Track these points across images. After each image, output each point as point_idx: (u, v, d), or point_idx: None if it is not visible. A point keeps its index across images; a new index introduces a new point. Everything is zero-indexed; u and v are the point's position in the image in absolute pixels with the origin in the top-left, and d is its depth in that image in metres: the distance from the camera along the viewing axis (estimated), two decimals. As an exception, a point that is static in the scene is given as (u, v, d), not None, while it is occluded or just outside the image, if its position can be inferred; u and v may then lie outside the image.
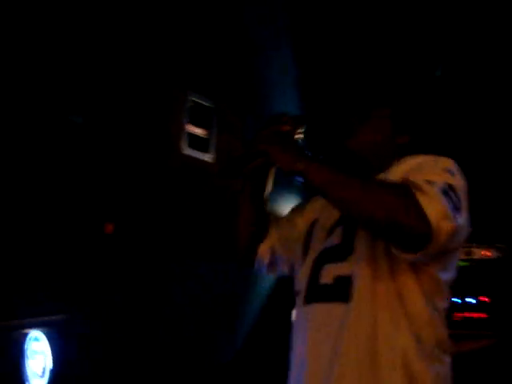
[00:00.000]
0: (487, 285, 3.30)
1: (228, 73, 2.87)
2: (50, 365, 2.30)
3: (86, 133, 2.49)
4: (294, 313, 1.64)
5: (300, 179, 1.34)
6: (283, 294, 3.49)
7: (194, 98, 2.64)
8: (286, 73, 3.58)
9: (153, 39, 2.52)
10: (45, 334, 2.28)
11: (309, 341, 1.53)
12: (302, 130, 1.60)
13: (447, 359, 1.49)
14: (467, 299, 3.34)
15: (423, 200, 1.30)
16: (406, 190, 1.33)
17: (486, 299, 3.30)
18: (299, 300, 1.59)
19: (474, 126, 3.66)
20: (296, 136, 1.57)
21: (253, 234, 1.77)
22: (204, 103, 2.68)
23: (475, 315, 3.33)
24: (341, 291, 1.44)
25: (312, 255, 1.57)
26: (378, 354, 1.43)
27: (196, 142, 2.64)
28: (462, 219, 1.37)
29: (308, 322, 1.55)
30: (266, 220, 1.74)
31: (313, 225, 1.63)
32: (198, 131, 2.63)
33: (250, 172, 1.55)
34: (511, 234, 3.36)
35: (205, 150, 2.66)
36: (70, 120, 2.30)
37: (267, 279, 3.49)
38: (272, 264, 1.77)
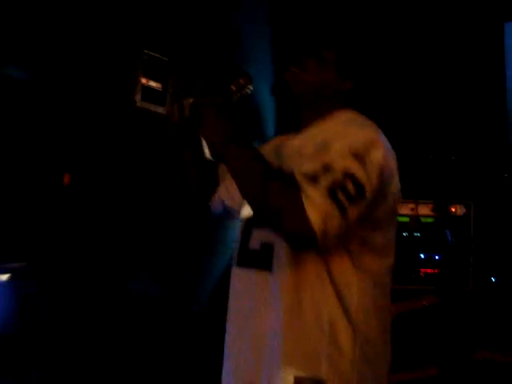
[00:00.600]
0: (453, 241, 3.35)
1: (184, 27, 2.91)
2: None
3: (39, 87, 2.56)
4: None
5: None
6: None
7: (149, 52, 2.67)
8: (248, 25, 3.63)
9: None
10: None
11: (233, 304, 1.64)
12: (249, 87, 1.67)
13: (375, 322, 1.55)
14: (433, 255, 3.40)
15: (307, 204, 1.34)
16: (294, 194, 1.36)
17: (450, 256, 3.37)
18: (234, 260, 1.68)
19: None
20: (242, 91, 1.64)
21: (201, 184, 1.84)
22: (159, 57, 2.71)
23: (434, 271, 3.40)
24: (265, 259, 1.51)
25: (245, 215, 1.65)
26: (304, 326, 1.50)
27: (151, 95, 2.68)
28: (356, 211, 1.41)
29: (237, 285, 1.65)
30: (214, 170, 1.80)
31: None
32: (153, 84, 2.67)
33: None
34: (479, 190, 3.42)
35: (160, 103, 2.71)
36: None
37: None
38: (229, 214, 1.84)
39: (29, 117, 2.46)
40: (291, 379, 1.46)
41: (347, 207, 1.37)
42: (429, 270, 3.34)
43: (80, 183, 2.71)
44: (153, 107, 2.69)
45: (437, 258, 3.35)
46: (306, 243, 1.42)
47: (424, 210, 3.38)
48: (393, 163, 1.54)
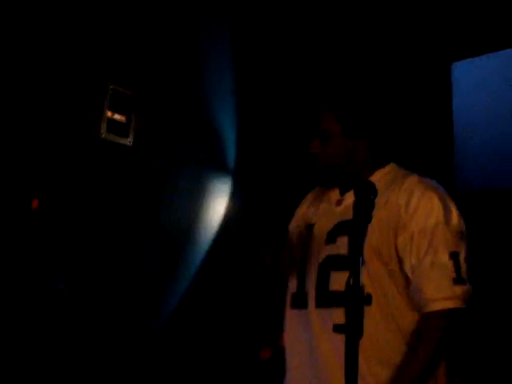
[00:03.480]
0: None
1: (149, 62, 3.19)
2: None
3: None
4: (290, 312, 2.02)
5: None
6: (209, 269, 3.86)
7: (113, 87, 2.94)
8: (213, 60, 3.92)
9: (76, 31, 2.83)
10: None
11: (323, 342, 1.85)
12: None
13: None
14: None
15: (461, 302, 1.73)
16: (439, 322, 1.74)
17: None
18: (307, 302, 1.92)
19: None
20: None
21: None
22: (124, 91, 2.98)
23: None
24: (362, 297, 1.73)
25: (315, 260, 1.94)
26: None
27: (115, 127, 2.95)
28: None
29: (317, 325, 1.88)
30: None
31: (310, 228, 2.00)
32: (117, 117, 2.93)
33: None
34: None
35: (124, 135, 2.97)
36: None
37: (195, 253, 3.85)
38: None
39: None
40: None
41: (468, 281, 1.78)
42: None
43: (47, 208, 2.97)
44: (117, 139, 2.95)
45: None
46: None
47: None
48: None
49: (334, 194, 2.02)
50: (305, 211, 2.14)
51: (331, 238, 1.89)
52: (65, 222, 2.93)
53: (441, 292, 1.73)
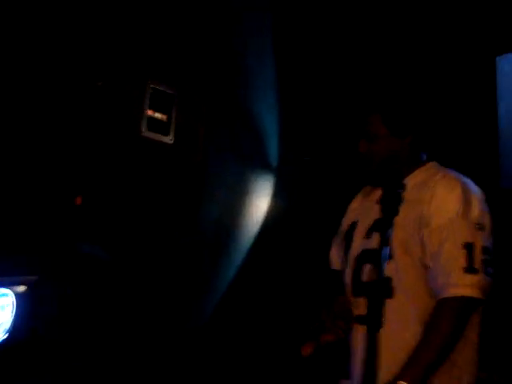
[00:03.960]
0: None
1: (189, 59, 3.26)
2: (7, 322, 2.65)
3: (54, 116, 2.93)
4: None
5: None
6: (252, 267, 3.91)
7: (154, 86, 3.02)
8: (256, 56, 3.97)
9: (115, 28, 2.92)
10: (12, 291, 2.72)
11: (352, 331, 1.95)
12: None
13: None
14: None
15: (473, 292, 1.81)
16: (454, 310, 1.80)
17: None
18: (347, 292, 2.08)
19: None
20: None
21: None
22: (164, 90, 3.06)
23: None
24: (385, 289, 1.85)
25: (353, 253, 2.08)
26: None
27: (156, 126, 3.03)
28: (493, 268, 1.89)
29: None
30: None
31: (353, 225, 2.16)
32: (158, 116, 3.02)
33: None
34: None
35: (165, 133, 3.05)
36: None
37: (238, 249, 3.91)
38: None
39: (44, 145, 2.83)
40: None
41: (492, 271, 1.89)
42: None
43: (91, 204, 3.08)
44: (158, 137, 3.04)
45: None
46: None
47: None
48: (487, 209, 2.02)
49: (378, 193, 2.13)
50: (353, 208, 2.29)
51: (368, 233, 2.01)
52: (108, 219, 3.02)
53: (451, 280, 1.81)
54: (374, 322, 1.40)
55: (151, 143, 3.05)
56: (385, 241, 1.66)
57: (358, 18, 4.16)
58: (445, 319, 1.80)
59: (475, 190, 1.98)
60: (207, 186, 3.41)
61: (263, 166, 4.06)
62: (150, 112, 3.00)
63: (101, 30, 2.88)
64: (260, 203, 3.99)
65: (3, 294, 2.69)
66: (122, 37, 2.93)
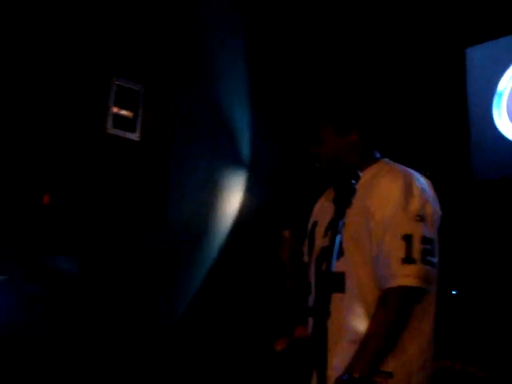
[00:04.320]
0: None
1: (155, 55, 3.27)
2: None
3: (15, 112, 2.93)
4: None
5: None
6: (225, 262, 3.93)
7: (119, 83, 3.02)
8: (225, 52, 3.98)
9: (80, 26, 2.92)
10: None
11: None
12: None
13: (431, 319, 2.02)
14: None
15: (412, 281, 1.82)
16: (397, 300, 1.84)
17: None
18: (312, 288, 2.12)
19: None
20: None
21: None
22: (130, 87, 3.06)
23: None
24: (338, 284, 1.94)
25: (315, 252, 2.16)
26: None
27: (122, 123, 3.03)
28: (437, 256, 1.90)
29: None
30: None
31: (314, 225, 2.22)
32: (124, 113, 3.01)
33: None
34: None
35: (131, 130, 3.05)
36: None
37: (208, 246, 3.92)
38: None
39: (10, 144, 2.83)
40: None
41: (433, 260, 1.90)
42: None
43: (58, 202, 3.08)
44: (124, 134, 3.03)
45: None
46: (420, 300, 1.92)
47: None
48: (431, 200, 2.02)
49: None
50: (316, 209, 2.32)
51: (326, 232, 2.06)
52: (74, 216, 3.02)
53: (390, 271, 1.84)
54: (320, 313, 1.42)
55: (117, 140, 3.04)
56: (335, 237, 1.69)
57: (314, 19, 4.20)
58: (387, 309, 1.84)
59: (419, 182, 2.00)
60: (175, 182, 3.42)
61: (235, 161, 4.07)
62: (115, 109, 2.99)
63: (65, 27, 2.88)
64: (232, 199, 4.01)
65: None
66: (85, 34, 2.93)
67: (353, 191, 1.61)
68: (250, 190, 4.07)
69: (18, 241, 3.02)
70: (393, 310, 1.84)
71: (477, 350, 3.37)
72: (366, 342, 1.83)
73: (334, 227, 1.56)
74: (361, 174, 1.88)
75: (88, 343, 3.21)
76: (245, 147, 4.12)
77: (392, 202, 1.91)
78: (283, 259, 2.36)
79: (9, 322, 2.90)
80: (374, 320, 1.85)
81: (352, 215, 1.78)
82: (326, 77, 3.94)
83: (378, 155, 2.18)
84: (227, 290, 3.82)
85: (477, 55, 3.92)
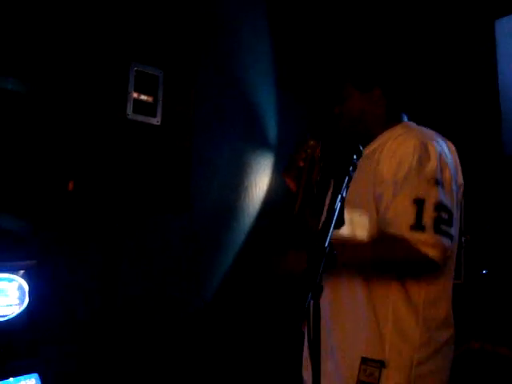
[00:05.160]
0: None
1: (175, 42, 3.28)
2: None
3: (38, 102, 2.99)
4: None
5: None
6: (254, 247, 3.94)
7: (138, 68, 3.05)
8: (249, 33, 3.96)
9: (97, 11, 2.95)
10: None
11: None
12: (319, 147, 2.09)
13: (439, 311, 1.91)
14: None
15: (426, 249, 1.70)
16: (408, 247, 1.71)
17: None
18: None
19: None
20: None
21: None
22: (149, 72, 3.09)
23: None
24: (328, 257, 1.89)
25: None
26: (371, 315, 1.84)
27: (142, 108, 3.06)
28: (454, 228, 1.80)
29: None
30: None
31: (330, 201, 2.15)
32: (144, 98, 3.05)
33: None
34: (467, 184, 3.66)
35: (151, 115, 3.09)
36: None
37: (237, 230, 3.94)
38: None
39: (31, 130, 2.89)
40: (358, 357, 1.81)
41: (449, 231, 1.78)
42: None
43: (83, 189, 3.13)
44: (144, 119, 3.07)
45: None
46: (431, 273, 1.84)
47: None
48: (452, 166, 1.90)
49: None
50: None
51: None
52: (99, 203, 3.07)
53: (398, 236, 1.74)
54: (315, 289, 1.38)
55: (138, 125, 3.08)
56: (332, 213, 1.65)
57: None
58: (393, 251, 1.74)
59: (438, 145, 1.88)
60: (199, 167, 3.45)
61: (262, 143, 4.08)
62: (135, 94, 3.02)
63: (83, 14, 2.92)
64: (259, 182, 4.02)
65: (6, 279, 2.78)
66: (103, 19, 2.96)
67: (354, 167, 1.56)
68: (277, 172, 4.07)
69: (45, 228, 3.10)
70: (394, 257, 1.74)
71: (508, 330, 3.33)
72: (361, 249, 1.78)
73: (331, 203, 1.51)
74: (375, 141, 1.83)
75: (114, 331, 3.28)
76: (272, 129, 4.13)
77: (405, 164, 1.79)
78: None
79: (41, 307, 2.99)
80: (375, 244, 1.76)
81: (356, 187, 1.72)
82: (352, 48, 3.90)
83: (406, 118, 2.09)
84: (254, 274, 3.84)
85: (507, 26, 3.83)
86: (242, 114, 3.91)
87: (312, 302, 1.32)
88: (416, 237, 1.72)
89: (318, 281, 1.31)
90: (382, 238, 1.73)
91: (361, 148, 1.59)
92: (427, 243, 1.71)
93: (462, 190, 1.98)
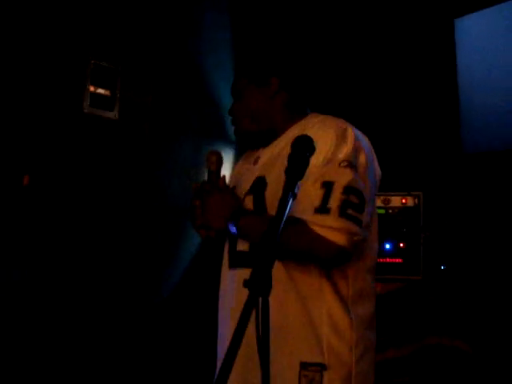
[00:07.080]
0: (404, 231, 3.66)
1: (134, 32, 3.29)
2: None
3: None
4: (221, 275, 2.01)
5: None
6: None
7: (95, 61, 3.06)
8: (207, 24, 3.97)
9: (57, 5, 2.95)
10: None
11: (234, 303, 1.82)
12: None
13: (368, 305, 1.85)
14: (385, 245, 3.72)
15: (329, 234, 1.62)
16: (311, 232, 1.62)
17: (402, 245, 3.69)
18: (224, 264, 1.95)
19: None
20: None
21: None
22: (107, 65, 3.10)
23: (392, 260, 3.73)
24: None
25: None
26: (305, 317, 1.75)
27: (99, 101, 3.07)
28: (366, 215, 1.68)
29: (233, 285, 1.86)
30: None
31: (233, 190, 1.93)
32: (101, 91, 3.05)
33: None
34: (427, 181, 3.76)
35: (109, 109, 3.09)
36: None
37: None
38: None
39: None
40: (297, 364, 1.71)
41: (359, 217, 1.66)
42: (380, 260, 3.68)
43: (38, 184, 3.13)
44: (101, 113, 3.08)
45: (387, 247, 3.68)
46: (340, 261, 1.72)
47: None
48: (368, 152, 1.80)
49: (256, 153, 1.99)
50: (234, 174, 2.14)
51: (244, 197, 1.87)
52: (55, 198, 3.08)
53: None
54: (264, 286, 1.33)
55: (95, 119, 3.09)
56: (257, 202, 1.64)
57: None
58: (302, 234, 1.65)
59: (356, 131, 1.79)
60: (157, 161, 3.45)
61: (222, 138, 4.09)
62: (92, 88, 3.03)
63: (42, 7, 2.91)
64: (220, 176, 4.02)
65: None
66: (62, 12, 2.96)
67: (307, 164, 1.51)
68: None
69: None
70: (299, 242, 1.66)
71: (465, 325, 3.42)
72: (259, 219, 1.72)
73: (283, 199, 1.46)
74: (282, 136, 1.78)
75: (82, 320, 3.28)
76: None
77: (321, 153, 1.68)
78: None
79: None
80: (293, 226, 1.62)
81: (274, 177, 1.68)
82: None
83: (309, 111, 1.96)
84: (215, 267, 3.86)
85: (466, 25, 3.92)
86: (201, 109, 3.92)
87: (261, 298, 1.27)
88: (319, 220, 1.64)
89: (267, 277, 1.27)
90: (286, 223, 1.62)
91: (314, 144, 1.54)
92: (331, 227, 1.63)
93: (379, 180, 1.90)
